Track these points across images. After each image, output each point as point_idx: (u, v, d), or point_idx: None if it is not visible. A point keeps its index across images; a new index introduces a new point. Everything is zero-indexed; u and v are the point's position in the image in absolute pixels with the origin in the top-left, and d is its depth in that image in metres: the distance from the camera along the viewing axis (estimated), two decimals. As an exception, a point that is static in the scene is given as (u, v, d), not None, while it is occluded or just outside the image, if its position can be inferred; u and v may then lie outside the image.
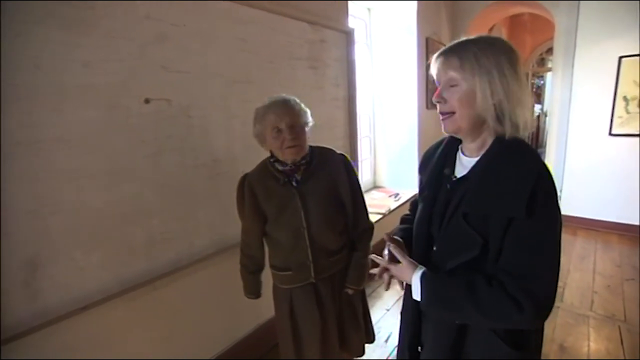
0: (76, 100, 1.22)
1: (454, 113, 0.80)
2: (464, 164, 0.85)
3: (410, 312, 0.95)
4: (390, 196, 3.48)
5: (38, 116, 1.14)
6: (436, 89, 0.83)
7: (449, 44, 0.81)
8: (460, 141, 0.89)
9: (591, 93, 3.50)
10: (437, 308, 0.82)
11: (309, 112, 1.26)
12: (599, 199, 3.56)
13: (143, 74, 1.40)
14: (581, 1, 3.42)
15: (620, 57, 3.30)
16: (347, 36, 2.58)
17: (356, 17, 3.28)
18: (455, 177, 0.86)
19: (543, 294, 0.72)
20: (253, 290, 1.45)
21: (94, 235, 1.31)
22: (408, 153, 3.65)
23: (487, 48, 0.76)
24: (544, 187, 0.72)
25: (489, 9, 4.15)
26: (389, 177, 3.79)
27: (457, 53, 0.77)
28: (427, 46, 3.66)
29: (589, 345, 2.03)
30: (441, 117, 0.83)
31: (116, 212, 1.36)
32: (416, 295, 0.83)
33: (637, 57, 3.22)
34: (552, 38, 3.78)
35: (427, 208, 0.90)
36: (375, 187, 3.81)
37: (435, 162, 0.93)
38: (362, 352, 1.49)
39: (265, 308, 1.97)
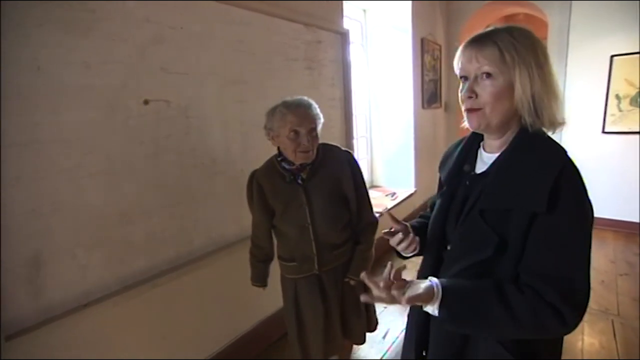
0: (76, 101, 1.25)
1: (482, 109, 0.73)
2: (485, 160, 0.81)
3: (419, 315, 0.87)
4: (387, 195, 3.51)
5: (39, 117, 1.16)
6: (461, 83, 0.76)
7: (477, 33, 0.73)
8: (481, 138, 0.84)
9: (584, 91, 3.54)
10: (465, 324, 0.71)
11: (322, 116, 1.30)
12: (593, 196, 3.45)
13: (142, 75, 1.43)
14: (573, 1, 3.47)
15: (612, 56, 3.34)
16: (343, 37, 2.61)
17: (351, 18, 3.31)
18: (475, 173, 0.82)
19: (579, 297, 0.66)
20: (260, 278, 1.50)
21: (94, 234, 1.33)
22: (405, 152, 3.69)
23: (522, 37, 0.70)
24: (568, 180, 0.68)
25: (484, 10, 4.19)
26: (385, 176, 3.82)
27: (495, 43, 0.69)
28: (423, 46, 3.70)
29: (583, 339, 2.06)
30: (466, 113, 0.76)
31: (116, 211, 1.38)
32: (434, 310, 0.71)
33: (629, 56, 3.27)
34: (545, 38, 3.82)
35: (444, 205, 0.85)
36: (372, 186, 3.84)
37: (456, 158, 0.88)
38: (364, 340, 1.53)
39: (264, 305, 1.99)
